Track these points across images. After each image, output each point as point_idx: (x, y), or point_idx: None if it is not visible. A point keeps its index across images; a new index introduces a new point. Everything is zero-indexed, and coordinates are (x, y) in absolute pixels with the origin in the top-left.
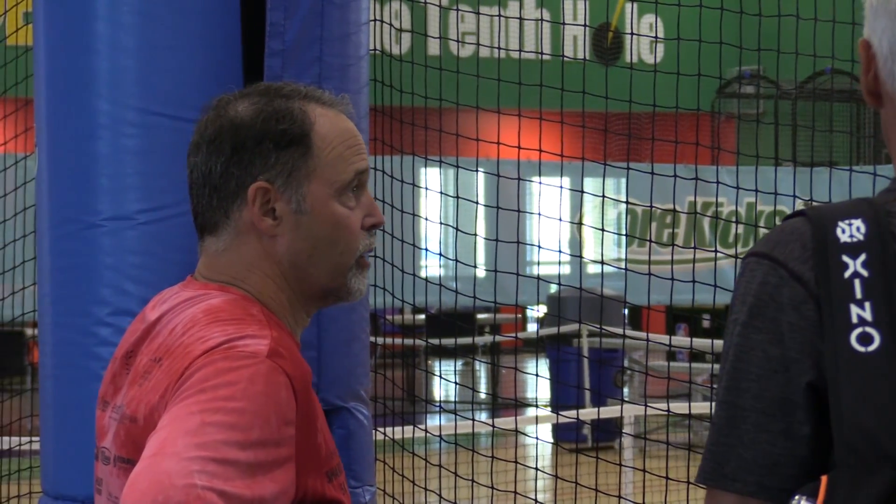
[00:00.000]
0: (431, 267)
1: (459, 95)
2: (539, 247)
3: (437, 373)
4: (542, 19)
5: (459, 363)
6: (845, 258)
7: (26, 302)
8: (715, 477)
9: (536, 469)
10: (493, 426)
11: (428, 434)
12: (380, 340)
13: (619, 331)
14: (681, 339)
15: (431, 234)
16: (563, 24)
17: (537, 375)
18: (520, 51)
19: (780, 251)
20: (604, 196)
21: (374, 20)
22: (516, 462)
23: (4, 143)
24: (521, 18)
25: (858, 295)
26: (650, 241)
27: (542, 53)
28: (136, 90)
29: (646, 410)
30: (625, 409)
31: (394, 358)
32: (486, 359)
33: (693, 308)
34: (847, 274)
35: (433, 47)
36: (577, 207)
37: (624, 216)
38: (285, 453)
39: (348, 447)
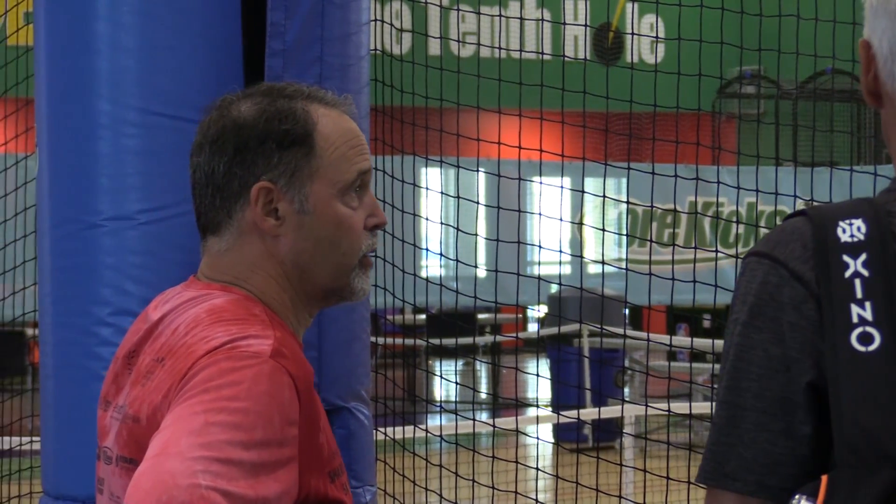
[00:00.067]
0: (432, 267)
1: (460, 95)
2: (540, 247)
3: (438, 373)
4: (542, 19)
5: (460, 363)
6: (846, 258)
7: (27, 302)
8: (715, 476)
9: (537, 469)
10: (494, 426)
11: (429, 434)
12: (380, 340)
13: (620, 331)
14: (681, 339)
15: (432, 234)
16: (564, 24)
17: (538, 375)
18: (520, 51)
19: (780, 251)
20: (604, 196)
21: (375, 20)
22: (517, 462)
23: (5, 143)
24: (521, 18)
25: (859, 294)
26: (651, 241)
27: (542, 53)
28: (137, 90)
29: (646, 410)
30: (625, 409)
31: (394, 358)
32: (486, 359)
33: (694, 308)
34: (848, 274)
35: (434, 47)
36: (578, 207)
37: (624, 216)
38: (288, 453)
39: (349, 447)
